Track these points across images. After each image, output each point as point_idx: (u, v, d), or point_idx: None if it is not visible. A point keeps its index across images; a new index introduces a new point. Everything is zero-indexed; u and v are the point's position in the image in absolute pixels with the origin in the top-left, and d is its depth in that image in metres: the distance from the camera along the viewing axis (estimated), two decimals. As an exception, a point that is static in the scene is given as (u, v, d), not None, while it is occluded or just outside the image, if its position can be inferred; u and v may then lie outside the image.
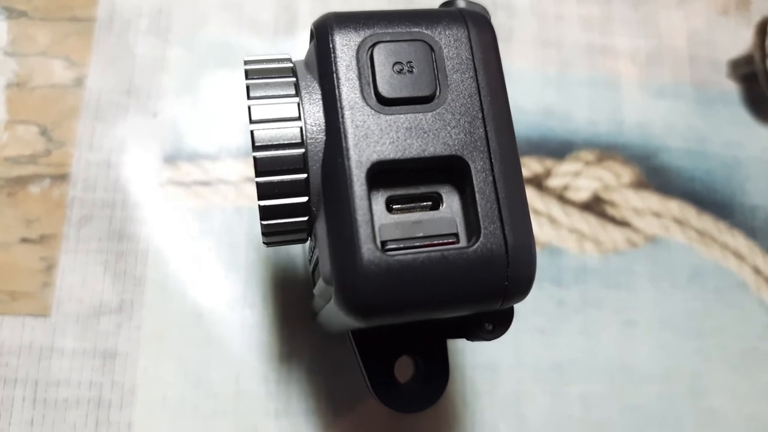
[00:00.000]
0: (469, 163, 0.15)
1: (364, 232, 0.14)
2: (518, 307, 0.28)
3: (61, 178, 0.26)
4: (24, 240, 0.25)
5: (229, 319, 0.25)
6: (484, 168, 0.15)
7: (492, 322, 0.17)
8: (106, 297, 0.25)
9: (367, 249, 0.14)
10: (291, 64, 0.16)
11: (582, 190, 0.29)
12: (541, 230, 0.28)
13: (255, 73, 0.16)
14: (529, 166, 0.29)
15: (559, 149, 0.30)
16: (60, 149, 0.26)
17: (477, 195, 0.15)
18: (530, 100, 0.30)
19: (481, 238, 0.15)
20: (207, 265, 0.26)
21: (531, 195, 0.29)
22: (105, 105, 0.27)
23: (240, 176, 0.27)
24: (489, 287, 0.15)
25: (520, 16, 0.31)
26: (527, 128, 0.30)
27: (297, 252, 0.26)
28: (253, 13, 0.29)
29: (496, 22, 0.31)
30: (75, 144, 0.26)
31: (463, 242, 0.16)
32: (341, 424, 0.25)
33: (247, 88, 0.15)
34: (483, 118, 0.16)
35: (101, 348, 0.25)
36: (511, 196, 0.15)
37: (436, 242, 0.15)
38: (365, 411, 0.25)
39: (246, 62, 0.16)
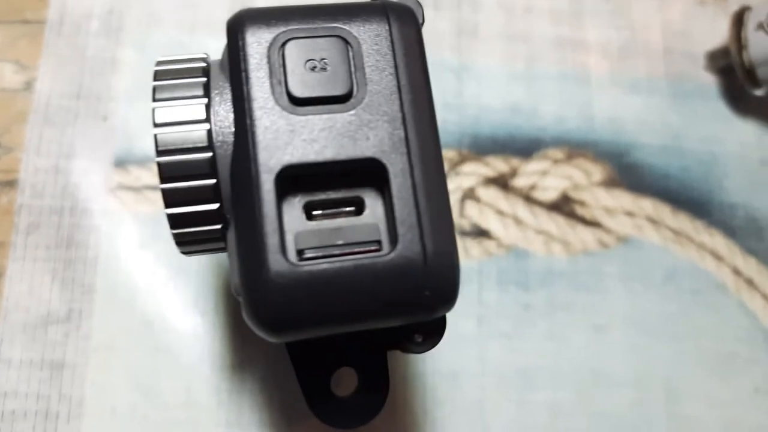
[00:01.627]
0: (387, 166, 0.14)
1: (271, 241, 0.14)
2: (482, 312, 0.27)
3: (9, 184, 0.25)
4: (-31, 249, 0.24)
5: (180, 328, 0.25)
6: (403, 171, 0.14)
7: (422, 333, 0.16)
8: (54, 306, 0.24)
9: (275, 260, 0.14)
10: (203, 64, 0.16)
11: (550, 190, 0.28)
12: (506, 232, 0.27)
13: (163, 74, 0.15)
14: (494, 166, 0.28)
15: (526, 147, 0.29)
16: (8, 155, 0.25)
17: (395, 200, 0.14)
18: (496, 97, 0.29)
19: (398, 246, 0.14)
20: (157, 272, 0.25)
21: (496, 195, 0.28)
22: (54, 109, 0.26)
23: (193, 180, 0.26)
24: (407, 297, 0.14)
25: (486, 9, 0.30)
26: (492, 126, 0.29)
27: (252, 257, 0.26)
28: (208, 13, 0.28)
29: (460, 16, 0.30)
30: (23, 150, 0.26)
31: (386, 249, 0.15)
32: (295, 435, 0.24)
33: (153, 89, 0.15)
34: (403, 118, 0.15)
35: (49, 359, 0.24)
36: (432, 201, 0.14)
37: (357, 250, 0.15)
38: (319, 422, 0.24)
39: (157, 63, 0.15)
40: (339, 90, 0.15)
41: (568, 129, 0.29)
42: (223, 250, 0.16)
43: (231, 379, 0.24)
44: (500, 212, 0.27)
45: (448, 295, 0.14)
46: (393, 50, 0.15)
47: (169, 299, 0.25)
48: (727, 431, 0.26)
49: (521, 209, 0.28)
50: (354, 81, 0.15)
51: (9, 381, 0.24)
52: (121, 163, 0.26)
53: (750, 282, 0.28)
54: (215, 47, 0.27)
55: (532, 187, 0.28)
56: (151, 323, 0.25)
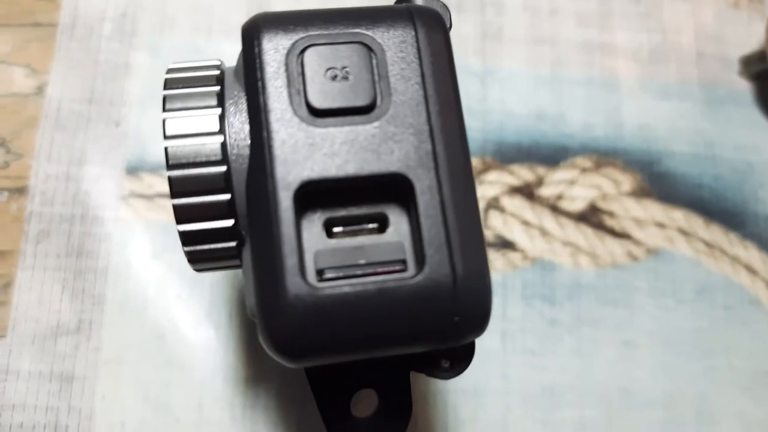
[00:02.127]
0: (414, 182, 0.13)
1: (289, 262, 0.13)
2: (506, 327, 0.26)
3: (20, 191, 0.25)
4: (-21, 257, 0.24)
5: (193, 340, 0.24)
6: (430, 188, 0.13)
7: (450, 359, 0.15)
8: (64, 317, 0.24)
9: (293, 282, 0.13)
10: (217, 72, 0.15)
11: (577, 200, 0.27)
12: (532, 243, 0.26)
13: (174, 82, 0.14)
14: (519, 174, 0.27)
15: (552, 155, 0.27)
16: (18, 161, 0.25)
17: (422, 218, 0.13)
18: (521, 103, 0.28)
19: (425, 268, 0.13)
20: (169, 283, 0.24)
21: (521, 205, 0.27)
22: (65, 114, 0.25)
23: (207, 188, 0.25)
24: (434, 323, 0.13)
25: (511, 12, 0.29)
26: (517, 133, 0.27)
27: (267, 268, 0.25)
28: (224, 16, 0.27)
29: (484, 19, 0.29)
30: (34, 156, 0.25)
31: (411, 270, 0.14)
32: (311, 454, 0.23)
33: (164, 99, 0.14)
34: (431, 131, 0.14)
35: (58, 371, 0.23)
36: (461, 219, 0.13)
37: (380, 270, 0.14)
38: (337, 440, 0.23)
39: (168, 71, 0.14)
40: (362, 101, 0.14)
41: (595, 136, 0.28)
42: (237, 267, 0.16)
43: (245, 394, 0.23)
44: (526, 223, 0.26)
45: (479, 321, 0.13)
46: (419, 58, 0.14)
47: (182, 311, 0.24)
48: (762, 454, 0.25)
49: (547, 220, 0.26)
50: (378, 91, 0.14)
51: (18, 393, 0.23)
52: (133, 170, 0.25)
53: (786, 297, 0.27)
54: (231, 52, 0.27)
55: (559, 197, 0.27)
56: (162, 336, 0.24)
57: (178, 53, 0.26)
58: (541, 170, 0.27)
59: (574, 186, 0.27)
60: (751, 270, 0.27)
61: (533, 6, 0.29)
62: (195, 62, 0.15)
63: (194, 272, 0.24)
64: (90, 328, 0.24)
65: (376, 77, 0.14)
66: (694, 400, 0.25)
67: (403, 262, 0.14)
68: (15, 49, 0.26)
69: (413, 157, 0.13)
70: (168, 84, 0.14)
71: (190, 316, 0.24)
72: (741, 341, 0.26)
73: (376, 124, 0.14)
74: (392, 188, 0.14)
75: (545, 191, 0.27)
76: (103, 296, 0.24)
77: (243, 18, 0.27)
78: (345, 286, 0.13)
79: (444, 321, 0.13)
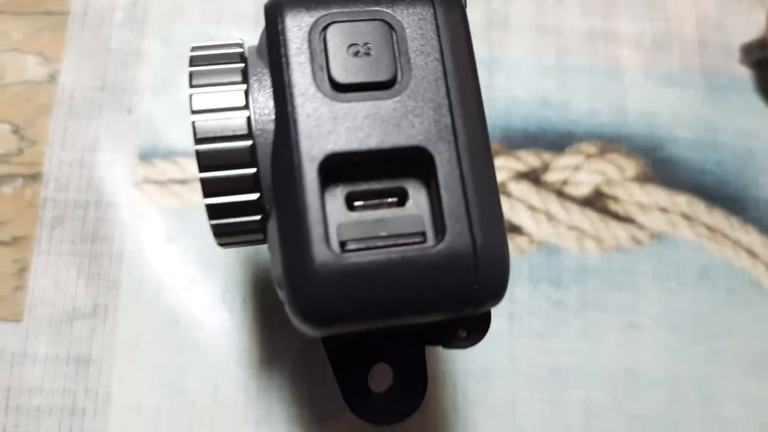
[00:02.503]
0: (434, 154, 0.14)
1: (316, 231, 0.13)
2: (513, 310, 0.26)
3: (34, 177, 0.25)
4: (-5, 242, 0.24)
5: (207, 324, 0.24)
6: (450, 160, 0.14)
7: (467, 329, 0.15)
8: (80, 301, 0.24)
9: (320, 251, 0.13)
10: (241, 50, 0.15)
11: (582, 185, 0.27)
12: (538, 228, 0.27)
13: (200, 59, 0.14)
14: (526, 160, 0.27)
15: (557, 141, 0.28)
16: (32, 148, 0.25)
17: (442, 190, 0.14)
18: (527, 90, 0.28)
19: (446, 237, 0.13)
20: (184, 267, 0.25)
21: (528, 190, 0.27)
22: (78, 102, 0.26)
23: (219, 174, 0.26)
24: (455, 291, 0.13)
25: (517, 1, 0.29)
26: (523, 119, 0.28)
27: (279, 252, 0.25)
28: (234, 4, 0.27)
29: (490, 8, 0.29)
30: (47, 143, 0.25)
31: (430, 242, 0.14)
32: (324, 434, 0.23)
33: (190, 75, 0.14)
34: (450, 105, 0.14)
35: (75, 354, 0.24)
36: (480, 191, 0.14)
37: (400, 242, 0.14)
38: (350, 419, 0.24)
39: (192, 48, 0.15)
40: (383, 76, 0.14)
41: (600, 123, 0.28)
42: (261, 242, 0.16)
43: (259, 375, 0.24)
44: (532, 207, 0.27)
45: (498, 289, 0.14)
46: (438, 34, 0.14)
47: (196, 295, 0.24)
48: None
49: (553, 205, 0.27)
50: (398, 67, 0.14)
51: (34, 376, 0.23)
52: (146, 157, 0.25)
53: (787, 280, 0.27)
54: (242, 39, 0.27)
55: (565, 182, 0.27)
56: (177, 319, 0.24)
57: (189, 41, 0.26)
58: (546, 156, 0.28)
59: (579, 171, 0.28)
60: (752, 254, 0.28)
61: (538, -5, 0.29)
62: (218, 41, 0.15)
63: (208, 256, 0.25)
64: (106, 312, 0.24)
65: (397, 53, 0.14)
66: (697, 382, 0.26)
67: (423, 234, 0.14)
68: (27, 37, 0.26)
69: (433, 131, 0.14)
70: (193, 61, 0.14)
71: (204, 299, 0.24)
72: (742, 323, 0.27)
73: (397, 98, 0.14)
74: (412, 162, 0.14)
75: (551, 176, 0.27)
76: (118, 280, 0.24)
77: (252, 6, 0.28)
78: (369, 255, 0.13)
79: (465, 289, 0.13)
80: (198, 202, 0.25)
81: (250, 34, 0.27)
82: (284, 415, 0.24)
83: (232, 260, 0.25)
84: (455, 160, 0.14)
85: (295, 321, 0.14)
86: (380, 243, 0.14)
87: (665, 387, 0.25)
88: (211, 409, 0.23)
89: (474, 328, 0.15)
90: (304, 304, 0.13)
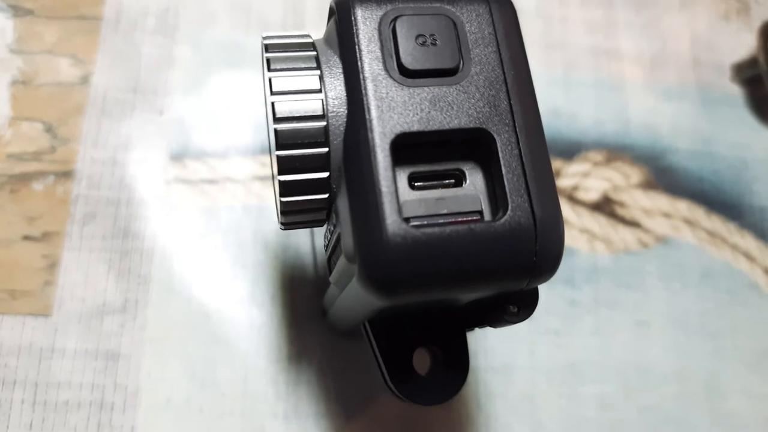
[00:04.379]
0: (495, 135, 0.15)
1: (389, 203, 0.14)
2: (530, 308, 0.27)
3: (66, 175, 0.25)
4: (26, 237, 0.24)
5: (236, 319, 0.25)
6: (509, 141, 0.15)
7: (517, 305, 0.16)
8: (110, 296, 0.24)
9: (393, 221, 0.14)
10: (311, 40, 0.16)
11: (591, 191, 0.29)
12: (551, 230, 0.28)
13: (275, 47, 0.15)
14: (538, 166, 0.29)
15: (567, 150, 0.29)
16: (65, 146, 0.26)
17: (503, 168, 0.15)
18: (538, 101, 0.30)
19: (509, 212, 0.14)
20: (213, 264, 0.25)
21: (541, 194, 0.28)
22: (111, 102, 0.26)
23: (248, 174, 0.26)
24: (518, 261, 0.14)
25: (526, 17, 0.31)
26: (535, 128, 0.29)
27: (305, 251, 0.26)
28: (261, 14, 0.29)
29: (502, 24, 0.31)
30: (80, 141, 0.26)
31: (487, 219, 0.15)
32: (352, 427, 0.24)
33: (267, 61, 0.15)
34: (507, 90, 0.15)
35: (104, 349, 0.24)
36: (537, 169, 0.15)
37: (460, 219, 0.15)
38: (377, 413, 0.24)
39: (265, 38, 0.16)
40: (448, 64, 0.15)
41: (605, 133, 0.30)
42: (319, 223, 0.17)
43: (287, 370, 0.24)
44: (546, 210, 0.28)
45: (554, 262, 0.15)
46: (494, 29, 0.16)
47: (225, 291, 0.25)
48: (767, 425, 0.27)
49: (566, 208, 0.28)
50: (461, 56, 0.15)
51: (63, 371, 0.23)
52: (177, 157, 0.26)
53: (781, 282, 0.29)
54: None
55: (575, 188, 0.29)
56: (207, 315, 0.25)
57: (218, 47, 0.28)
58: (557, 163, 0.29)
59: (588, 178, 0.29)
60: (749, 257, 0.29)
61: (546, 13, 0.31)
62: (288, 32, 0.16)
63: (237, 254, 0.25)
64: (135, 307, 0.24)
65: (459, 44, 0.15)
66: (704, 377, 0.27)
67: (480, 212, 0.15)
68: (60, 40, 0.27)
69: (493, 113, 0.15)
70: (269, 48, 0.15)
71: (233, 296, 0.25)
72: (743, 322, 0.28)
73: (459, 84, 0.15)
74: (473, 143, 0.15)
75: (562, 182, 0.29)
76: (148, 276, 0.25)
77: (278, 16, 0.29)
78: (437, 228, 0.14)
79: (525, 260, 0.15)
80: (228, 201, 0.26)
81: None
82: (312, 409, 0.24)
83: (261, 258, 0.25)
84: (514, 141, 0.15)
85: (366, 289, 0.14)
86: (441, 220, 0.15)
87: (674, 381, 0.27)
88: (240, 402, 0.24)
89: (524, 304, 0.16)
90: (376, 272, 0.14)
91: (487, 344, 0.26)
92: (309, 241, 0.26)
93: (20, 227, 0.24)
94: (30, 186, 0.25)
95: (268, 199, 0.26)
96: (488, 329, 0.25)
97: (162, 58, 0.27)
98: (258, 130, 0.27)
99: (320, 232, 0.26)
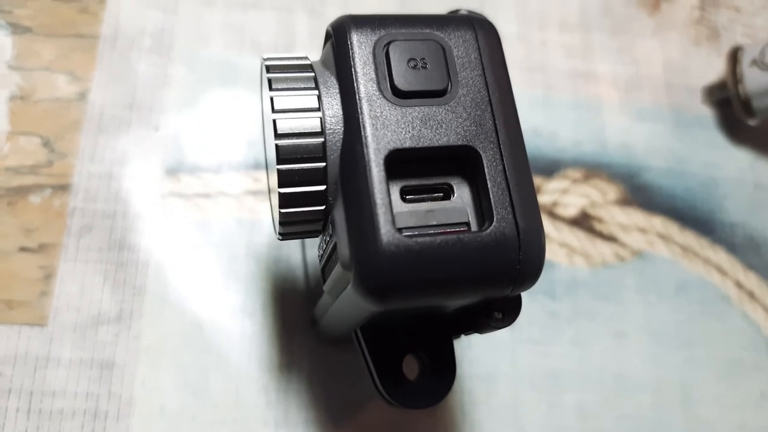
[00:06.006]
0: (481, 152, 0.16)
1: (383, 214, 0.15)
2: (512, 319, 0.29)
3: (62, 188, 0.26)
4: (23, 249, 0.25)
5: (229, 329, 0.25)
6: (494, 157, 0.16)
7: (502, 311, 0.17)
8: (105, 307, 0.25)
9: (387, 231, 0.15)
10: (309, 62, 0.17)
11: (570, 207, 0.30)
12: (532, 244, 0.29)
13: (275, 68, 0.17)
14: (520, 183, 0.30)
15: (547, 167, 0.31)
16: (62, 160, 0.26)
17: (489, 182, 0.16)
18: (520, 120, 0.31)
19: (494, 223, 0.16)
20: (207, 276, 0.26)
21: (522, 210, 0.30)
22: (107, 118, 0.27)
23: (241, 189, 0.27)
24: (503, 269, 0.16)
25: (507, 41, 0.32)
26: (517, 147, 0.31)
27: (296, 263, 0.27)
28: (254, 35, 0.30)
29: (485, 47, 0.32)
30: (77, 156, 0.26)
31: (474, 230, 0.16)
32: (341, 434, 0.25)
33: (269, 81, 0.16)
34: (492, 111, 0.17)
35: (99, 358, 0.24)
36: (520, 183, 0.16)
37: (449, 230, 0.16)
38: (365, 420, 0.25)
39: (265, 59, 0.17)
40: (437, 86, 0.16)
41: (583, 152, 0.31)
42: (315, 233, 0.18)
43: (278, 379, 0.25)
44: (528, 224, 0.29)
45: (536, 270, 0.16)
46: (480, 54, 0.17)
47: (218, 302, 0.26)
48: (739, 431, 0.28)
49: (546, 224, 0.30)
50: (449, 78, 0.17)
51: (58, 380, 0.24)
52: (171, 171, 0.27)
53: (751, 295, 0.30)
54: (259, 68, 0.29)
55: (555, 204, 0.30)
56: (200, 325, 0.25)
57: (213, 67, 0.29)
58: (538, 180, 0.30)
59: (566, 194, 0.30)
60: (721, 270, 0.31)
61: (526, 38, 0.33)
62: (287, 54, 0.17)
63: (229, 266, 0.26)
64: (130, 318, 0.25)
65: (448, 68, 0.17)
66: (678, 386, 0.28)
67: (467, 224, 0.16)
68: (58, 57, 0.28)
69: (479, 132, 0.16)
70: (270, 69, 0.16)
71: (226, 307, 0.26)
72: (715, 333, 0.29)
73: (448, 105, 0.16)
74: (460, 159, 0.16)
75: (543, 198, 0.30)
76: (143, 287, 0.25)
77: (271, 37, 0.30)
78: (428, 238, 0.15)
79: (509, 268, 0.16)
80: (221, 215, 0.27)
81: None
82: (302, 416, 0.25)
83: (253, 270, 0.26)
84: (498, 157, 0.16)
85: (361, 295, 0.15)
86: (431, 231, 0.16)
87: (650, 390, 0.28)
88: (233, 411, 0.24)
89: (508, 310, 0.17)
90: (372, 279, 0.15)
91: (471, 353, 0.27)
92: (299, 254, 0.27)
93: (17, 239, 0.25)
94: (27, 199, 0.25)
95: (260, 213, 0.27)
96: (473, 338, 0.26)
97: (157, 77, 0.28)
98: (250, 147, 0.28)
99: (310, 246, 0.27)
